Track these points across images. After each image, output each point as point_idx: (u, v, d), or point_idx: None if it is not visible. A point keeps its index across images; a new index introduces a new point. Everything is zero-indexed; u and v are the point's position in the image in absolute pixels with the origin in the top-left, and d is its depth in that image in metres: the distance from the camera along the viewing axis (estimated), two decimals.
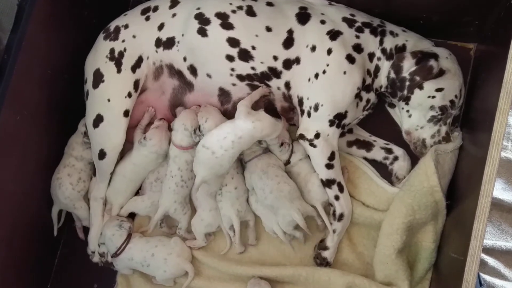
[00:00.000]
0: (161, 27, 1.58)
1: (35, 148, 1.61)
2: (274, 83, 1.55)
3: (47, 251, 1.74)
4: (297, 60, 1.53)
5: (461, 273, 1.20)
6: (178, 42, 1.57)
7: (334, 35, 1.52)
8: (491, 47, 1.52)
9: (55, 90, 1.63)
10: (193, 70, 1.58)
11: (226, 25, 1.52)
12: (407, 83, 1.51)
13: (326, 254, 1.58)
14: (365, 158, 1.67)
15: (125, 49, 1.59)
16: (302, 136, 1.55)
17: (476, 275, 1.18)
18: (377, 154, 1.67)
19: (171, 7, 1.59)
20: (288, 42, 1.52)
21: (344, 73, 1.50)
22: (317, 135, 1.53)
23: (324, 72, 1.51)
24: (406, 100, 1.55)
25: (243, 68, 1.53)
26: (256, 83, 1.56)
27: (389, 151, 1.66)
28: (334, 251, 1.58)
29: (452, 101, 1.54)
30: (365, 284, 1.51)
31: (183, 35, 1.56)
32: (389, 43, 1.55)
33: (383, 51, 1.55)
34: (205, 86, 1.59)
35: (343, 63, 1.50)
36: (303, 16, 1.54)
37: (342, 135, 1.61)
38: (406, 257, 1.54)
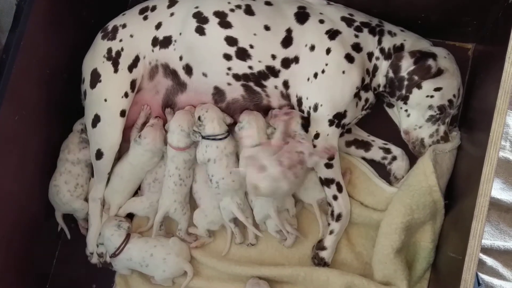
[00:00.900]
0: (158, 26, 1.58)
1: (34, 147, 1.60)
2: (271, 82, 1.55)
3: (46, 251, 1.74)
4: (296, 59, 1.53)
5: (459, 273, 1.20)
6: (175, 41, 1.57)
7: (333, 34, 1.52)
8: (489, 47, 1.53)
9: (54, 89, 1.63)
10: (188, 69, 1.58)
11: (224, 23, 1.52)
12: (406, 82, 1.51)
13: (324, 254, 1.58)
14: (364, 158, 1.68)
15: (122, 49, 1.59)
16: None
17: (474, 275, 1.19)
18: (376, 154, 1.67)
19: (169, 6, 1.59)
20: (287, 41, 1.52)
21: (343, 72, 1.51)
22: (317, 135, 1.53)
23: (323, 71, 1.51)
24: (405, 99, 1.55)
25: (240, 67, 1.53)
26: (251, 83, 1.56)
27: (387, 151, 1.66)
28: (332, 251, 1.58)
29: (450, 101, 1.54)
30: (363, 284, 1.51)
31: (180, 34, 1.56)
32: (388, 42, 1.56)
33: (382, 50, 1.56)
34: (199, 85, 1.59)
35: (342, 63, 1.50)
36: (301, 16, 1.54)
37: (340, 135, 1.61)
38: (404, 257, 1.54)
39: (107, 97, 1.58)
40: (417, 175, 1.49)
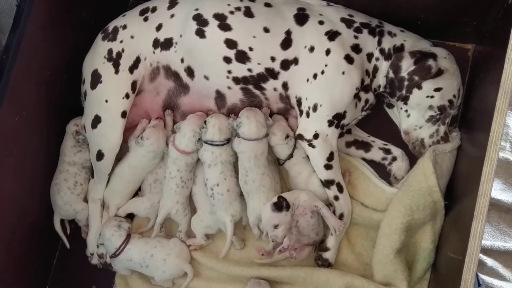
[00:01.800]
0: (159, 27, 1.58)
1: (34, 148, 1.61)
2: (270, 84, 1.55)
3: (45, 252, 1.74)
4: (296, 61, 1.53)
5: (459, 273, 1.20)
6: (176, 43, 1.57)
7: (332, 35, 1.52)
8: (489, 47, 1.53)
9: (54, 90, 1.63)
10: (190, 71, 1.58)
11: (224, 26, 1.52)
12: (406, 82, 1.51)
13: (327, 255, 1.57)
14: (364, 159, 1.68)
15: (123, 50, 1.59)
16: (301, 137, 1.55)
17: (474, 275, 1.19)
18: (376, 154, 1.67)
19: (170, 7, 1.59)
20: (286, 43, 1.52)
21: (343, 73, 1.51)
22: (316, 136, 1.53)
23: (322, 72, 1.51)
24: (405, 100, 1.55)
25: (240, 70, 1.53)
26: (250, 86, 1.56)
27: (387, 151, 1.66)
28: (335, 252, 1.58)
29: (450, 101, 1.54)
30: (363, 285, 1.51)
31: (181, 36, 1.56)
32: (387, 43, 1.56)
33: (382, 51, 1.56)
34: (201, 89, 1.59)
35: (341, 64, 1.51)
36: (301, 17, 1.54)
37: (340, 135, 1.61)
38: (404, 257, 1.54)
39: (108, 98, 1.58)
40: (417, 176, 1.49)
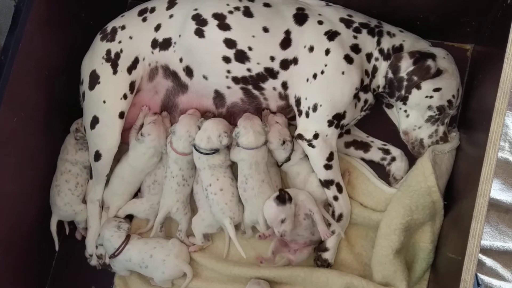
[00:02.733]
0: (157, 28, 1.58)
1: (32, 149, 1.60)
2: (269, 84, 1.55)
3: (44, 252, 1.74)
4: (295, 61, 1.53)
5: (459, 273, 1.20)
6: (175, 43, 1.57)
7: (332, 35, 1.52)
8: (488, 47, 1.53)
9: (53, 91, 1.63)
10: (189, 71, 1.58)
11: (223, 26, 1.52)
12: (405, 83, 1.51)
13: (326, 255, 1.57)
14: (363, 159, 1.68)
15: (121, 50, 1.59)
16: (300, 136, 1.55)
17: (474, 275, 1.18)
18: (375, 155, 1.67)
19: (168, 8, 1.59)
20: (286, 43, 1.52)
21: (343, 73, 1.51)
22: (316, 136, 1.53)
23: (322, 72, 1.51)
24: (404, 100, 1.55)
25: (239, 70, 1.53)
26: (250, 87, 1.55)
27: (386, 151, 1.66)
28: (334, 252, 1.58)
29: (449, 101, 1.54)
30: (363, 285, 1.51)
31: (180, 36, 1.56)
32: (387, 43, 1.56)
33: (381, 51, 1.56)
34: (200, 88, 1.59)
35: (341, 64, 1.50)
36: (300, 17, 1.54)
37: (339, 136, 1.61)
38: (404, 258, 1.54)
39: (105, 99, 1.57)
40: (416, 176, 1.49)
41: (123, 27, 1.61)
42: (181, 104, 1.64)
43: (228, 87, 1.57)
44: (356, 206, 1.60)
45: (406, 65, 1.51)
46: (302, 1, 1.59)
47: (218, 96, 1.59)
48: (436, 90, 1.52)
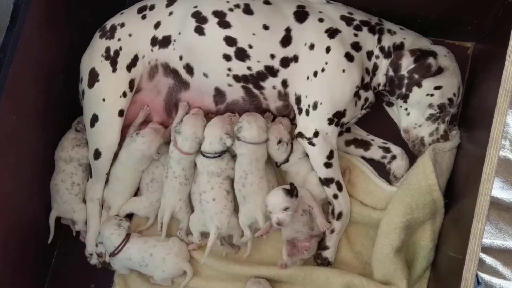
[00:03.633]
0: (157, 25, 1.58)
1: (31, 147, 1.60)
2: (269, 82, 1.54)
3: (44, 251, 1.73)
4: (295, 58, 1.52)
5: (459, 272, 1.19)
6: (175, 41, 1.56)
7: (332, 33, 1.51)
8: (489, 45, 1.52)
9: (52, 89, 1.62)
10: (189, 69, 1.57)
11: (223, 23, 1.52)
12: (406, 81, 1.51)
13: (327, 254, 1.57)
14: (363, 157, 1.67)
15: (120, 48, 1.58)
16: (300, 135, 1.54)
17: (475, 274, 1.18)
18: (375, 153, 1.66)
19: (168, 5, 1.58)
20: (286, 40, 1.52)
21: (343, 71, 1.50)
22: (316, 134, 1.52)
23: (323, 70, 1.50)
24: (405, 98, 1.55)
25: (240, 68, 1.53)
26: (250, 85, 1.55)
27: (387, 150, 1.66)
28: (334, 250, 1.58)
29: (450, 99, 1.53)
30: (363, 283, 1.51)
31: (179, 33, 1.55)
32: (387, 41, 1.55)
33: (381, 49, 1.55)
34: (201, 86, 1.59)
35: (342, 61, 1.50)
36: (301, 15, 1.53)
37: (340, 134, 1.61)
38: (404, 256, 1.54)
39: (105, 97, 1.57)
40: (416, 174, 1.49)
41: (122, 25, 1.61)
42: (184, 100, 1.63)
43: (229, 85, 1.56)
44: (357, 204, 1.60)
45: (407, 63, 1.50)
46: None
47: (219, 94, 1.59)
48: (437, 88, 1.51)
